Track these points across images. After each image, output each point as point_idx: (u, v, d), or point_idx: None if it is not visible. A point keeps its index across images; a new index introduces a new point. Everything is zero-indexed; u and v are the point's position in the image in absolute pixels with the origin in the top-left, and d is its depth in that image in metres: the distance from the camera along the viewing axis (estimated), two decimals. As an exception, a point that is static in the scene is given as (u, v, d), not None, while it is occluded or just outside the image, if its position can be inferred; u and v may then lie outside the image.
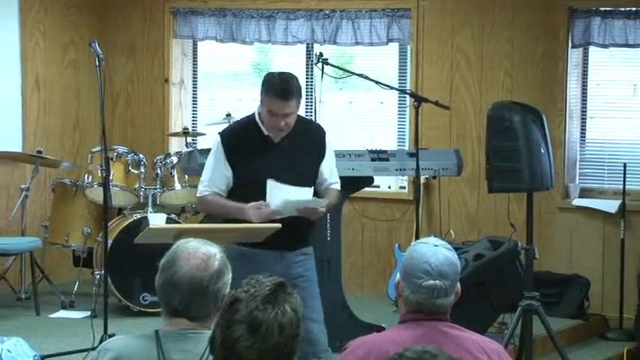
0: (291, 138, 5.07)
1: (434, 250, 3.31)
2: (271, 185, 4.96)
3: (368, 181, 7.00)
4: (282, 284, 2.64)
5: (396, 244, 8.04)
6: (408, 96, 8.01)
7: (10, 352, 2.61)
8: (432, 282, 3.26)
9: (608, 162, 8.09)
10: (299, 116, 5.16)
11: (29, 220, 8.06)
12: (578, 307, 7.68)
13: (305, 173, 5.07)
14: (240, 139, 5.13)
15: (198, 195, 5.28)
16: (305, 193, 5.02)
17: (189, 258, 3.09)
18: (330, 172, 5.21)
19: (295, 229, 4.96)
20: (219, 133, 5.26)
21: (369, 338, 3.35)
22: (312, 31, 8.61)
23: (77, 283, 8.00)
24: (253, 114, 5.14)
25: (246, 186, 5.02)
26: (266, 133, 5.06)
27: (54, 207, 8.14)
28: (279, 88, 4.96)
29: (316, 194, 5.14)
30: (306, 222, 5.06)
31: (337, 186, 5.28)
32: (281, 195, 4.97)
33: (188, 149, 8.25)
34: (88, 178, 7.93)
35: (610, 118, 8.19)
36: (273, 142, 5.07)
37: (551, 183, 6.06)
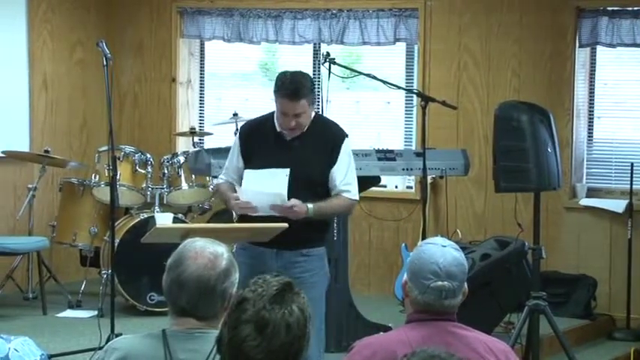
0: (304, 138, 5.05)
1: (442, 251, 3.29)
2: (247, 174, 5.00)
3: (375, 180, 7.00)
4: (289, 284, 2.64)
5: (403, 244, 8.04)
6: (415, 96, 8.00)
7: (17, 351, 2.61)
8: (440, 283, 3.24)
9: (616, 162, 8.08)
10: (321, 117, 5.15)
11: (36, 220, 8.07)
12: (586, 306, 7.67)
13: (309, 173, 5.02)
14: (255, 134, 5.18)
15: (215, 182, 5.49)
16: (278, 175, 4.94)
17: (196, 257, 3.09)
18: (341, 178, 5.07)
19: (291, 228, 4.86)
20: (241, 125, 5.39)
21: (376, 338, 3.34)
22: (320, 31, 8.61)
23: (84, 283, 8.00)
24: (274, 111, 5.14)
25: None
26: (279, 130, 5.07)
27: (61, 206, 8.15)
28: (289, 88, 4.95)
29: (322, 197, 5.10)
30: (302, 221, 4.95)
31: (348, 195, 5.11)
32: (253, 184, 4.96)
33: (195, 149, 8.26)
34: (95, 177, 7.94)
35: (617, 118, 8.18)
36: (285, 140, 5.07)
37: (559, 183, 6.06)
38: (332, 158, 5.08)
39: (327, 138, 5.12)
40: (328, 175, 5.07)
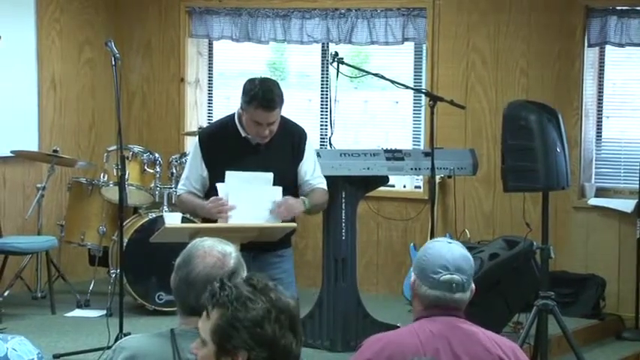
0: (269, 140, 5.03)
1: (449, 247, 3.37)
2: (228, 176, 4.94)
3: (383, 180, 7.00)
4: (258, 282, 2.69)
5: (412, 244, 8.03)
6: (423, 95, 8.00)
7: (15, 350, 2.62)
8: (450, 276, 3.29)
9: (624, 161, 8.06)
10: (280, 117, 5.10)
11: (45, 219, 8.09)
12: (594, 306, 7.66)
13: (281, 175, 5.00)
14: (218, 140, 5.12)
15: (177, 193, 5.41)
16: (263, 178, 4.95)
17: (204, 256, 3.09)
18: (311, 172, 5.15)
19: None
20: (198, 131, 5.28)
21: (386, 335, 3.39)
22: (328, 31, 8.61)
23: (93, 282, 8.01)
24: (233, 114, 5.12)
25: None
26: (244, 134, 5.04)
27: (70, 206, 8.16)
28: (263, 98, 4.91)
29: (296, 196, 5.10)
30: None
31: (322, 185, 5.21)
32: (237, 185, 4.93)
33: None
34: (103, 177, 7.95)
35: (626, 118, 8.16)
36: (251, 143, 5.05)
37: (567, 182, 6.05)
38: (299, 155, 5.12)
39: (291, 136, 5.13)
40: (296, 172, 5.12)
